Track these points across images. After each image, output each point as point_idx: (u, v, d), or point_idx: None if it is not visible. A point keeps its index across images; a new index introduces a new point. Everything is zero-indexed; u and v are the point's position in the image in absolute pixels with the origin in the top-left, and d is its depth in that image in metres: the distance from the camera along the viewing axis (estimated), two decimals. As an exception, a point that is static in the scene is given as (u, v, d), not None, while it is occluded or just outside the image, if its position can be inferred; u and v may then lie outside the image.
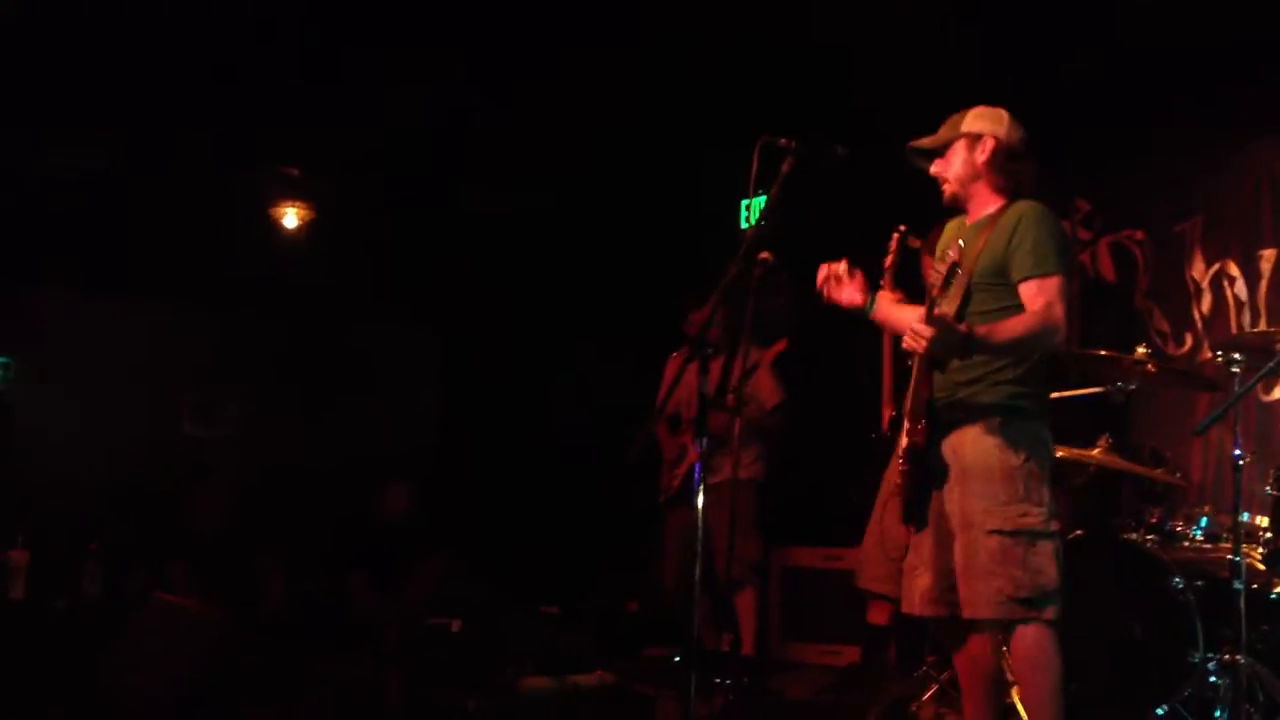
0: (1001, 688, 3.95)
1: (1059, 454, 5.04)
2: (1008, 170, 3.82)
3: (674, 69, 6.95)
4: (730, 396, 5.08)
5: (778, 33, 6.54)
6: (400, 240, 8.33)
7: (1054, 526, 3.67)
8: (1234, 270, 6.01)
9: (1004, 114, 3.88)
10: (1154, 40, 5.86)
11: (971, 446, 3.69)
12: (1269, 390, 5.72)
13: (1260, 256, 5.91)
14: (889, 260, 4.37)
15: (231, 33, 6.60)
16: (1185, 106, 5.93)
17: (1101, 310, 6.46)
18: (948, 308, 3.64)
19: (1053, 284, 3.62)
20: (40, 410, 7.58)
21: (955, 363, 3.72)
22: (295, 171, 8.18)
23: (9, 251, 7.12)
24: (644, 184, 7.91)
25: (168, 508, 6.60)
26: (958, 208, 3.92)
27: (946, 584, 3.73)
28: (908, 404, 3.79)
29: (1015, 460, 3.64)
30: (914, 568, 3.81)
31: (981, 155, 3.82)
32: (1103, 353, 4.93)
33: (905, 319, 3.66)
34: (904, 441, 3.78)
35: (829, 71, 6.62)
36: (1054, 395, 5.32)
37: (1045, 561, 3.62)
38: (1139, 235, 6.45)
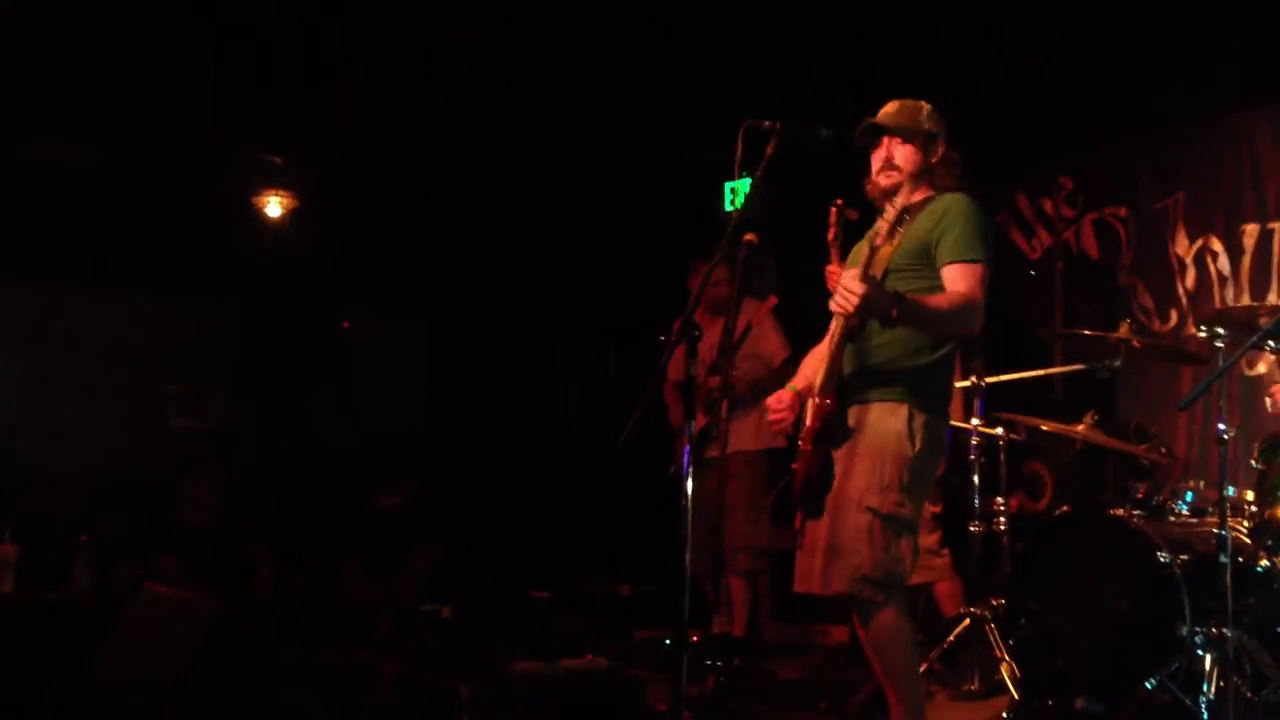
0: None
1: (1045, 428, 5.08)
2: (943, 170, 3.93)
3: (657, 51, 6.94)
4: (717, 377, 5.09)
5: (755, 16, 6.53)
6: (385, 228, 8.32)
7: (917, 525, 3.76)
8: (1217, 246, 6.03)
9: (943, 121, 3.97)
10: (1135, 17, 5.87)
11: (873, 424, 3.73)
12: (1253, 365, 5.74)
13: (1243, 231, 5.93)
14: (830, 234, 4.42)
15: (214, 22, 6.57)
16: (1167, 83, 5.94)
17: (1086, 288, 6.48)
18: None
19: (976, 270, 3.68)
20: (26, 403, 7.56)
21: (870, 342, 3.76)
22: (278, 160, 8.15)
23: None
24: (629, 167, 7.90)
25: (157, 500, 6.60)
26: (888, 195, 3.89)
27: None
28: (818, 380, 3.80)
29: (910, 451, 3.69)
30: (809, 549, 3.81)
31: (934, 156, 3.91)
32: (1087, 331, 4.94)
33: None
34: (809, 422, 3.81)
35: (807, 49, 6.61)
36: (1041, 372, 5.39)
37: (905, 553, 3.70)
38: (1122, 212, 6.47)
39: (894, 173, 3.89)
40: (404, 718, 4.87)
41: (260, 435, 8.16)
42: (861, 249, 3.92)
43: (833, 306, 3.60)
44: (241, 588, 6.35)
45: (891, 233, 3.71)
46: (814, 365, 3.96)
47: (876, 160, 3.94)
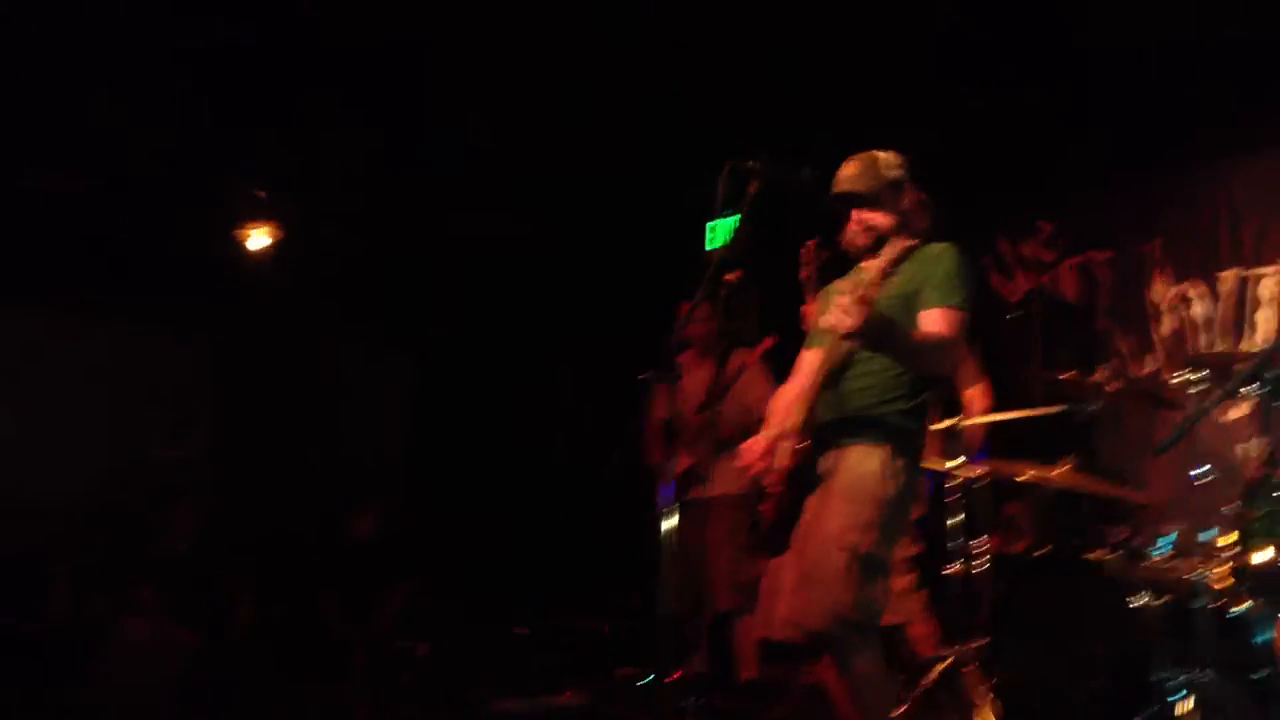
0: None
1: (1024, 476, 5.11)
2: (922, 215, 3.95)
3: (644, 92, 7.00)
4: (703, 416, 5.11)
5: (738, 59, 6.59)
6: (370, 260, 8.32)
7: (889, 570, 3.76)
8: (1194, 291, 6.09)
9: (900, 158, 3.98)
10: (1117, 64, 5.95)
11: (851, 466, 3.74)
12: (1228, 410, 5.78)
13: (1220, 279, 5.99)
14: (804, 273, 4.44)
15: (199, 53, 6.59)
16: (1147, 129, 6.01)
17: (1064, 331, 6.53)
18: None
19: (956, 316, 3.74)
20: (7, 430, 7.51)
21: (853, 385, 3.79)
22: (263, 194, 8.16)
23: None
24: (616, 205, 7.93)
25: (137, 530, 6.56)
26: (868, 252, 3.94)
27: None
28: (794, 422, 3.81)
29: (887, 492, 3.71)
30: (771, 591, 3.82)
31: (906, 201, 3.94)
32: (1064, 374, 4.98)
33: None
34: (783, 462, 3.82)
35: (792, 91, 6.67)
36: (1018, 415, 5.41)
37: (880, 595, 3.70)
38: (1100, 257, 6.53)
39: (872, 233, 3.94)
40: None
41: (242, 467, 8.12)
42: (839, 290, 3.95)
43: (826, 321, 3.59)
44: (219, 620, 6.31)
45: (882, 280, 3.71)
46: (784, 408, 3.96)
47: (852, 221, 3.98)
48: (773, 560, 3.85)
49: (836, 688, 3.80)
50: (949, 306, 3.74)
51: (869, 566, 3.67)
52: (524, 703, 4.92)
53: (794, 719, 5.20)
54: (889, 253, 3.78)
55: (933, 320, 3.74)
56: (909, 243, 3.90)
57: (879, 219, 3.93)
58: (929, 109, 6.29)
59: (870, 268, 3.74)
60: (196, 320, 8.02)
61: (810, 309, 4.34)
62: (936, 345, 3.71)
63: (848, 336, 3.61)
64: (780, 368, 6.15)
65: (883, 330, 3.57)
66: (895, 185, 3.94)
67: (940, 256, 3.82)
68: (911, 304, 3.78)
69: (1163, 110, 5.90)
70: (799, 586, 3.70)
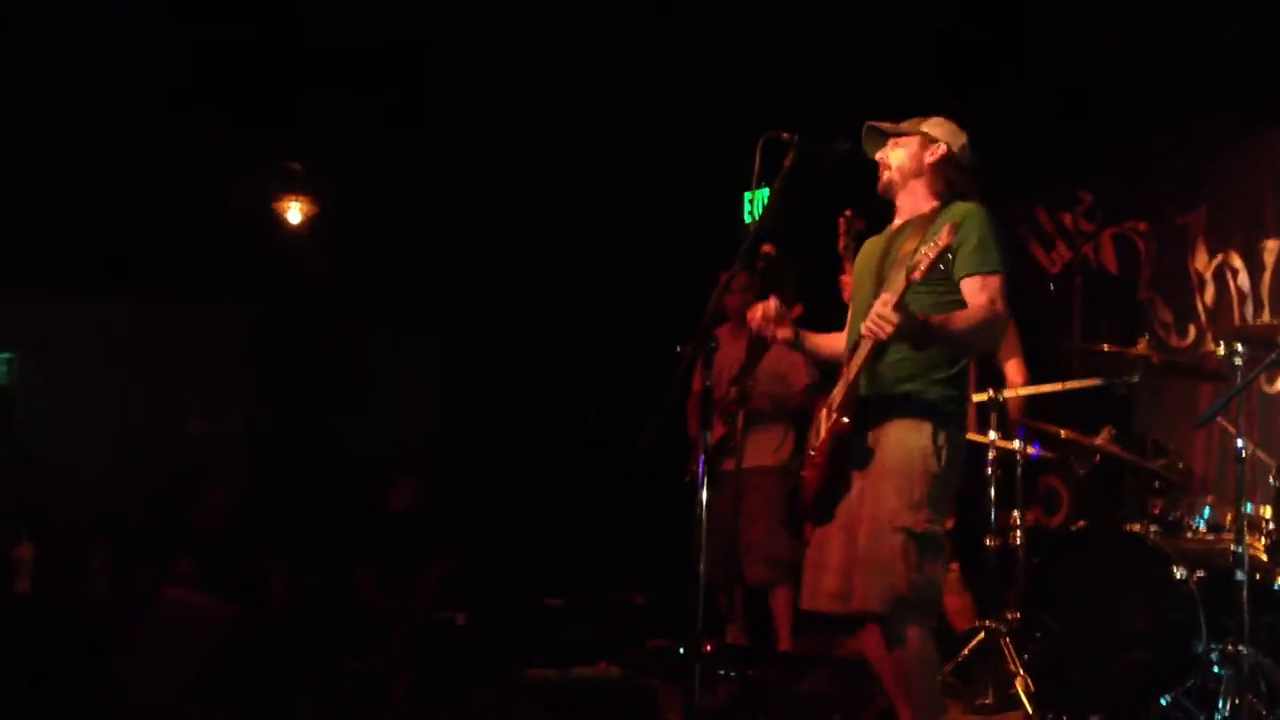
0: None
1: (1063, 435, 5.07)
2: (949, 176, 3.88)
3: (679, 62, 6.96)
4: (734, 389, 5.09)
5: (780, 26, 6.54)
6: (405, 236, 8.34)
7: (945, 544, 3.73)
8: (1237, 262, 6.01)
9: (964, 134, 3.95)
10: (1159, 32, 5.86)
11: (896, 443, 3.70)
12: (1272, 382, 5.72)
13: (1264, 248, 5.91)
14: (841, 244, 4.41)
15: (234, 25, 6.61)
16: (1190, 98, 5.92)
17: (1104, 302, 6.47)
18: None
19: (995, 281, 3.67)
20: (44, 405, 7.60)
21: (890, 358, 3.74)
22: (298, 167, 8.19)
23: (12, 249, 7.14)
24: (649, 177, 7.91)
25: (174, 504, 6.63)
26: (888, 199, 3.96)
27: (851, 581, 3.72)
28: (836, 398, 3.79)
29: (935, 467, 3.67)
30: (818, 564, 3.80)
31: (931, 156, 3.88)
32: (1105, 346, 4.93)
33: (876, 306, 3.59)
34: (823, 436, 3.80)
35: (828, 63, 6.62)
36: (1058, 387, 5.37)
37: (937, 571, 3.69)
38: (1142, 226, 6.45)
39: (885, 172, 3.93)
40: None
41: (277, 441, 8.19)
42: (873, 252, 3.92)
43: (865, 332, 3.59)
44: (256, 593, 6.36)
45: (935, 268, 3.61)
46: (834, 347, 3.99)
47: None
48: (816, 531, 3.83)
49: (885, 663, 3.79)
50: (986, 273, 3.67)
51: (925, 545, 3.64)
52: (557, 673, 4.93)
53: (829, 690, 5.19)
54: (906, 209, 3.81)
55: (972, 291, 3.67)
56: (932, 203, 3.86)
57: (896, 156, 3.91)
58: (969, 77, 6.22)
59: (905, 252, 3.69)
60: (232, 296, 8.08)
61: (848, 280, 4.30)
62: (983, 322, 3.63)
63: (881, 343, 3.61)
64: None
65: (921, 331, 3.54)
66: (928, 139, 3.88)
67: (969, 220, 3.72)
68: (946, 273, 3.70)
69: (1206, 78, 5.80)
70: (855, 569, 3.67)
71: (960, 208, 3.78)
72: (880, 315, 3.48)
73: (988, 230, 3.72)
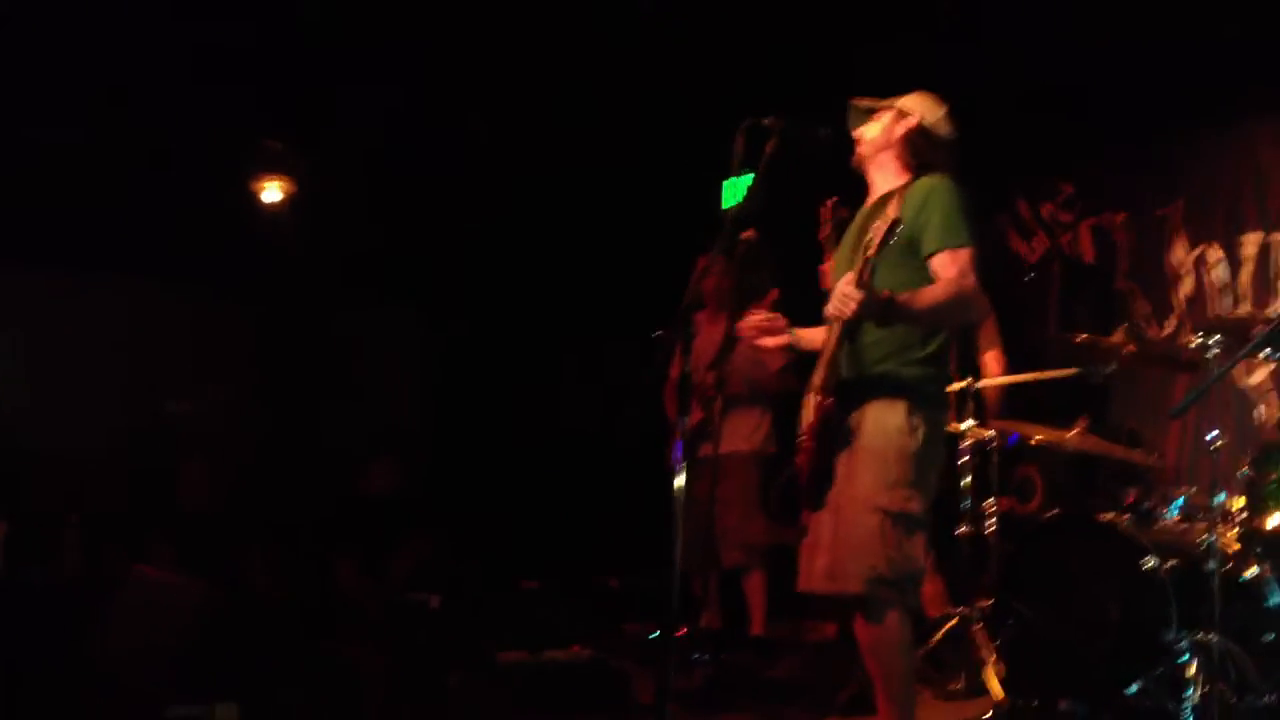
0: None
1: (1037, 437, 5.09)
2: (919, 150, 3.86)
3: (662, 50, 6.95)
4: (711, 374, 5.09)
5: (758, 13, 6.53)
6: (387, 215, 8.30)
7: (927, 519, 3.72)
8: (1215, 254, 6.04)
9: (942, 107, 3.93)
10: (1142, 26, 5.87)
11: (873, 424, 3.71)
12: (1250, 373, 5.76)
13: (1242, 241, 5.94)
14: (823, 233, 4.41)
15: (217, 8, 6.56)
16: (1171, 92, 5.94)
17: (1081, 292, 6.49)
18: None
19: (964, 255, 3.64)
20: (20, 383, 7.55)
21: (866, 339, 3.74)
22: (277, 145, 8.14)
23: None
24: (632, 159, 7.89)
25: (151, 484, 6.60)
26: (862, 175, 3.97)
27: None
28: (816, 379, 3.80)
29: (912, 445, 3.67)
30: (812, 545, 3.81)
31: (900, 129, 3.87)
32: (1081, 335, 4.94)
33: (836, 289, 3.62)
34: (809, 418, 3.80)
35: (810, 51, 6.61)
36: (1034, 377, 5.40)
37: (917, 549, 3.68)
38: (1120, 218, 6.47)
39: (858, 146, 3.94)
40: (393, 707, 4.87)
41: (257, 422, 8.16)
42: (850, 233, 3.93)
43: (829, 312, 3.61)
44: (234, 574, 6.35)
45: (885, 244, 3.61)
46: (818, 339, 3.97)
47: None
48: (812, 516, 3.84)
49: (865, 643, 3.80)
50: (954, 247, 3.65)
51: (902, 524, 3.65)
52: (530, 656, 4.93)
53: (802, 675, 5.21)
54: (879, 186, 3.82)
55: (942, 266, 3.66)
56: (904, 178, 3.85)
57: (868, 131, 3.92)
58: (950, 67, 6.21)
59: (873, 231, 3.69)
60: (213, 276, 8.03)
61: (828, 268, 4.30)
62: (952, 297, 3.62)
63: (852, 322, 3.61)
64: (795, 323, 6.15)
65: (885, 308, 3.54)
66: (900, 113, 3.88)
67: (933, 193, 3.72)
68: (916, 250, 3.70)
69: (1188, 71, 5.82)
70: (831, 547, 3.70)
71: (925, 182, 3.77)
72: (842, 294, 3.50)
73: (954, 203, 3.70)
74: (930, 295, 3.62)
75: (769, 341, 4.00)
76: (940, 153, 3.87)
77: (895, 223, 3.53)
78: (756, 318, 4.00)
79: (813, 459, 3.79)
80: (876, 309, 3.53)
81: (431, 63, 7.26)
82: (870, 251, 3.52)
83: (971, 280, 3.63)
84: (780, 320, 4.01)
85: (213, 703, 4.40)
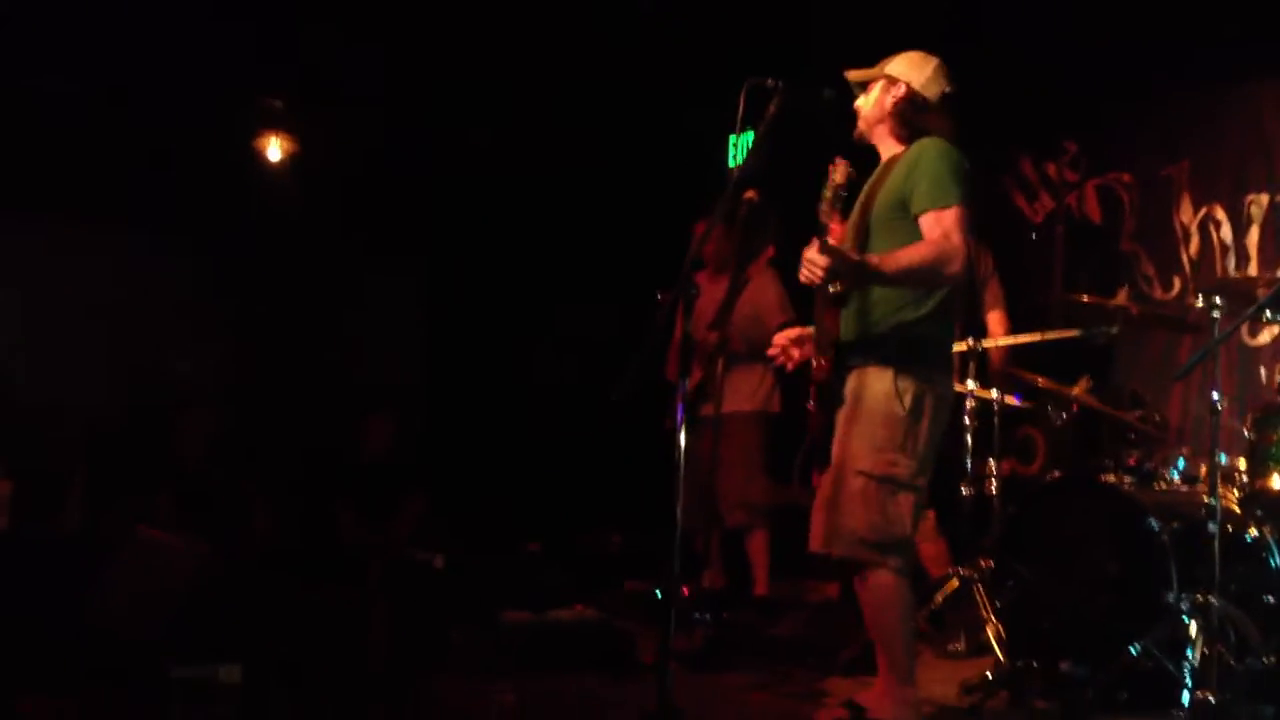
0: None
1: (1040, 384, 5.08)
2: (909, 119, 3.84)
3: (663, 8, 6.90)
4: (713, 334, 5.08)
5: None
6: (386, 173, 8.27)
7: (919, 482, 3.71)
8: (1220, 215, 6.01)
9: (931, 64, 3.89)
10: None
11: (864, 387, 3.72)
12: (1256, 335, 5.74)
13: (1249, 202, 5.91)
14: (823, 207, 4.41)
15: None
16: (1177, 51, 5.90)
17: (1085, 253, 6.47)
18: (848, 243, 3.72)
19: (950, 214, 3.62)
20: (20, 338, 7.54)
21: (857, 303, 3.74)
22: (278, 103, 8.09)
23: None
24: (633, 117, 7.85)
25: (152, 439, 6.60)
26: (867, 144, 3.96)
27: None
28: (815, 344, 3.81)
29: (899, 409, 3.66)
30: (819, 506, 3.83)
31: (890, 99, 3.85)
32: (1085, 296, 4.93)
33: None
34: (812, 381, 3.82)
35: (812, 11, 6.56)
36: (1038, 337, 5.39)
37: (903, 513, 3.68)
38: (1126, 178, 6.44)
39: (859, 121, 3.93)
40: (394, 662, 4.90)
41: (257, 377, 8.15)
42: (858, 203, 3.92)
43: (801, 277, 3.63)
44: (236, 530, 6.36)
45: (833, 207, 3.68)
46: None
47: None
48: (821, 476, 3.85)
49: (863, 604, 3.82)
50: (940, 207, 3.63)
51: (886, 488, 3.65)
52: (533, 616, 4.95)
53: (805, 635, 5.23)
54: (886, 155, 3.83)
55: (928, 226, 3.64)
56: (902, 146, 3.84)
57: (864, 103, 3.92)
58: (954, 25, 6.17)
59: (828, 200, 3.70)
60: (214, 230, 7.99)
61: (838, 233, 4.28)
62: (934, 256, 3.59)
63: (825, 285, 3.61)
64: (792, 281, 6.14)
65: (858, 271, 3.55)
66: (890, 80, 3.86)
67: (925, 155, 3.71)
68: (904, 210, 3.70)
69: (1193, 30, 5.77)
70: (827, 510, 3.72)
71: (917, 145, 3.77)
72: (808, 259, 3.54)
73: (942, 164, 3.68)
74: (906, 256, 3.61)
75: (797, 353, 3.99)
76: (931, 116, 3.84)
77: (838, 187, 3.61)
78: (785, 334, 4.02)
79: (816, 420, 3.81)
80: (847, 271, 3.54)
81: (431, 22, 7.21)
82: (822, 218, 3.55)
83: (957, 239, 3.60)
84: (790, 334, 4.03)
85: (216, 664, 4.42)
